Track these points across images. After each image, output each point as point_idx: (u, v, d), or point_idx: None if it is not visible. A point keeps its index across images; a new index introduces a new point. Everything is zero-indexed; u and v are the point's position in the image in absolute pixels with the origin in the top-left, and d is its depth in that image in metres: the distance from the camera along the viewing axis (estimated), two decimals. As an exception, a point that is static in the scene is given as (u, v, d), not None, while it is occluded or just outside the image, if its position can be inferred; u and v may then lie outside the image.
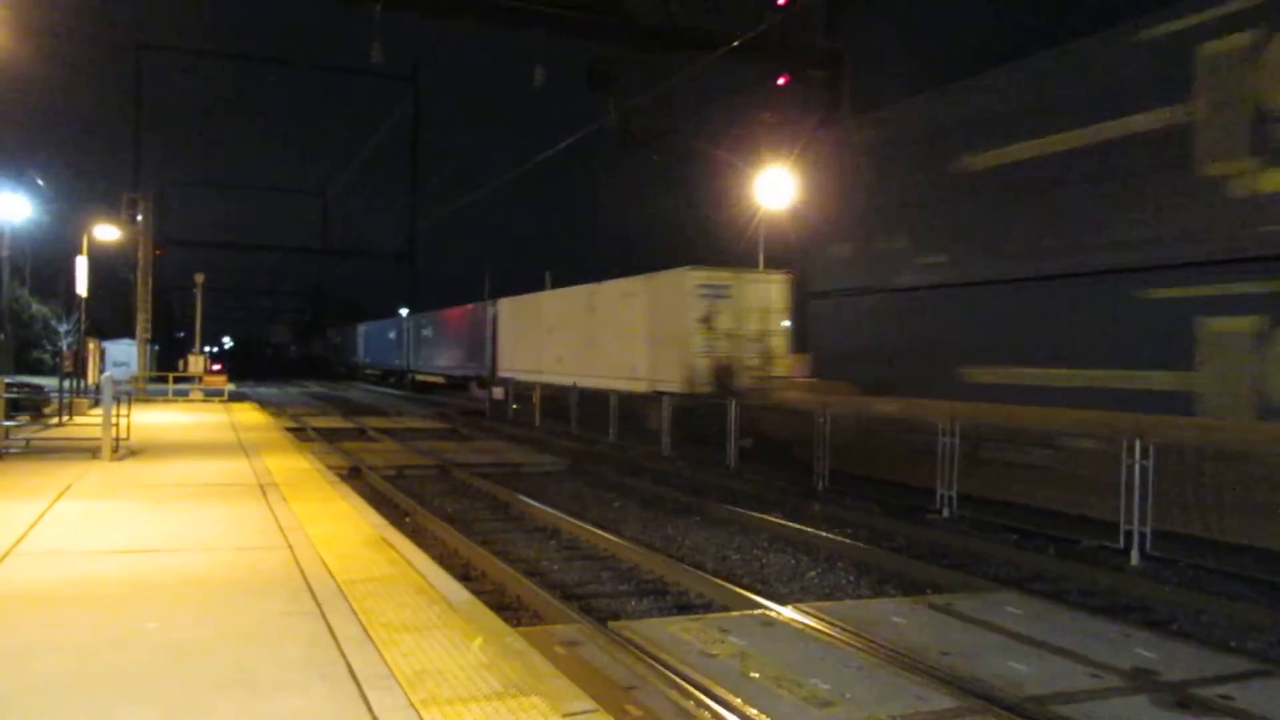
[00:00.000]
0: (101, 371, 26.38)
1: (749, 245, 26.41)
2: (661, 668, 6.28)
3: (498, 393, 32.36)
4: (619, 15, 25.85)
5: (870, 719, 5.49)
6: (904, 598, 8.79)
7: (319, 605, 5.86)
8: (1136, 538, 10.66)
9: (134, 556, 7.30)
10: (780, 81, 28.70)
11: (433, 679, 4.54)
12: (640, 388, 22.63)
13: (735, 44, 23.83)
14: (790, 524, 12.44)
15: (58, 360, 37.07)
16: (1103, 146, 16.42)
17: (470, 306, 40.61)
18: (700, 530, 12.59)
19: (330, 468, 14.02)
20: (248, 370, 74.01)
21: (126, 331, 44.37)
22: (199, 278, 37.50)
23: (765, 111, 29.75)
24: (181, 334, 69.71)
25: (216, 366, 39.93)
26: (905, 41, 24.89)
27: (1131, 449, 10.84)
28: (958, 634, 7.33)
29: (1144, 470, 10.70)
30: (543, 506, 13.51)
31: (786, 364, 21.80)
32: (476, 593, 6.90)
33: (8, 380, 19.62)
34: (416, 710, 4.14)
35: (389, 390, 54.80)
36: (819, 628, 7.31)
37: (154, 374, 38.17)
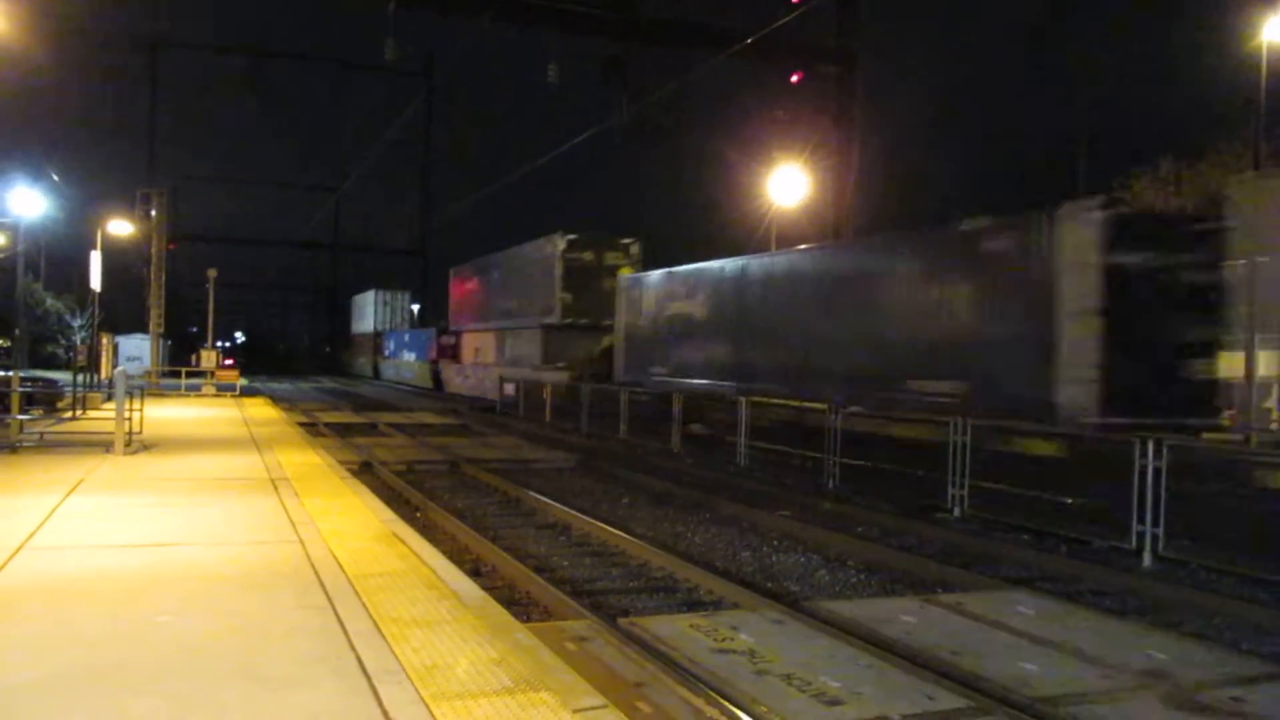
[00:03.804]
0: (114, 366, 26.50)
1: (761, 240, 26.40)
2: (671, 664, 6.27)
3: (508, 388, 32.31)
4: (632, 12, 25.84)
5: (880, 718, 5.48)
6: (914, 596, 8.77)
7: (330, 600, 5.88)
8: (1149, 539, 10.60)
9: (146, 550, 7.33)
10: (793, 79, 28.64)
11: (443, 674, 4.55)
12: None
13: (748, 41, 23.79)
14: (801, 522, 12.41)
15: (71, 354, 37.26)
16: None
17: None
18: (710, 527, 12.58)
19: (342, 462, 14.05)
20: (259, 365, 74.29)
21: (139, 326, 44.65)
22: (211, 273, 37.62)
23: (778, 109, 29.70)
24: (194, 329, 69.95)
25: (229, 361, 40.06)
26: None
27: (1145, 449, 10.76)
28: (969, 633, 7.31)
29: (1156, 471, 10.63)
30: (553, 502, 13.52)
31: None
32: (487, 588, 6.91)
33: (21, 374, 19.73)
34: (427, 705, 4.15)
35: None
36: (829, 626, 7.30)
37: (167, 369, 38.36)
